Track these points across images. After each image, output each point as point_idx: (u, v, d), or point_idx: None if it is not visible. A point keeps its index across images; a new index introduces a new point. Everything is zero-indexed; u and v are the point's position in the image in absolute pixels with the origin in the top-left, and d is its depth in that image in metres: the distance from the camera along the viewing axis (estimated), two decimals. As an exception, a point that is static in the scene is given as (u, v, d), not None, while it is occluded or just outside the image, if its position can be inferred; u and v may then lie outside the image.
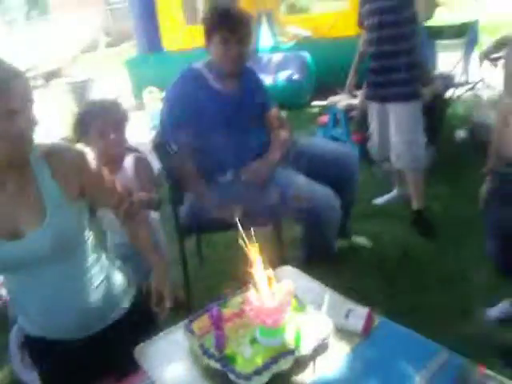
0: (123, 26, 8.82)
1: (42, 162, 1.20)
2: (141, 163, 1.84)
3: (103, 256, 1.36)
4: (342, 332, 1.15)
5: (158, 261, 1.42)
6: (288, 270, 1.45)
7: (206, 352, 1.08)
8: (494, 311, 1.95)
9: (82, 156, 1.27)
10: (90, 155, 1.29)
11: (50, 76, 9.51)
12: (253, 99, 2.16)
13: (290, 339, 1.07)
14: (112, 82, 7.00)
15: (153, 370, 1.14)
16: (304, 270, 1.45)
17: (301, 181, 2.02)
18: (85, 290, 1.27)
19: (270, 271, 1.17)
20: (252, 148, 2.11)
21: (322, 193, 2.00)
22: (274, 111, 2.28)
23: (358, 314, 1.18)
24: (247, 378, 0.99)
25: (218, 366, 1.05)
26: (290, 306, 1.12)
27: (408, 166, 2.69)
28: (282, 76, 5.33)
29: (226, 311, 1.16)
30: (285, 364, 1.03)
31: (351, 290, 2.01)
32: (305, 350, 1.06)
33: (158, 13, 6.13)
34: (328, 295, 1.29)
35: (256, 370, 1.00)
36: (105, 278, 1.32)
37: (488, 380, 0.97)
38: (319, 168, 2.16)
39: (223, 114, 2.04)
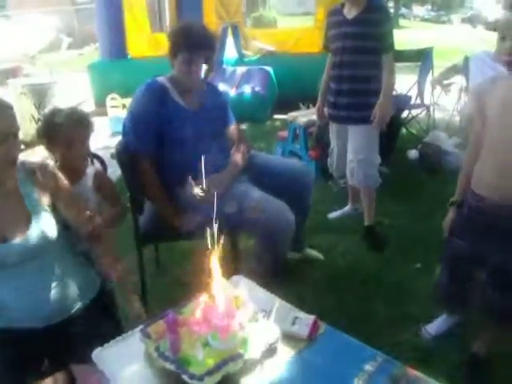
0: (88, 27, 8.74)
1: (24, 175, 1.43)
2: (101, 178, 1.86)
3: (71, 253, 1.54)
4: (289, 338, 1.26)
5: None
6: (240, 279, 1.54)
7: (161, 355, 1.16)
8: (432, 328, 2.05)
9: (55, 173, 1.49)
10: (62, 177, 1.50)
11: (7, 74, 9.26)
12: (214, 114, 2.26)
13: (239, 343, 1.16)
14: (73, 84, 6.92)
15: (110, 372, 1.20)
16: (256, 280, 1.58)
17: (255, 194, 2.11)
18: (56, 282, 1.46)
19: (224, 280, 1.27)
20: (212, 161, 2.18)
21: (276, 206, 2.09)
22: (234, 126, 2.39)
23: (304, 321, 1.29)
24: (200, 378, 1.07)
25: (172, 367, 1.13)
26: (240, 312, 1.22)
27: (361, 183, 2.86)
28: (246, 89, 5.46)
29: (181, 317, 1.23)
30: (234, 366, 1.12)
31: (301, 300, 2.16)
32: (253, 353, 1.16)
33: (125, 18, 6.15)
34: (277, 304, 1.39)
35: (208, 372, 1.08)
36: (72, 272, 1.51)
37: (416, 381, 1.10)
38: (274, 182, 2.26)
39: (185, 129, 2.13)
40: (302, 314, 1.33)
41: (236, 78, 5.68)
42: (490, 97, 1.61)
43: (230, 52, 6.00)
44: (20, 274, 1.41)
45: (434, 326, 2.05)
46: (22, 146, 1.43)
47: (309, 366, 1.18)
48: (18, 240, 1.37)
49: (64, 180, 1.52)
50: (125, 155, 2.13)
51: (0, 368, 1.43)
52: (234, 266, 2.24)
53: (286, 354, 1.21)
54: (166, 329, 1.18)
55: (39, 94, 5.10)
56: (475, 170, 1.68)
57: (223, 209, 2.08)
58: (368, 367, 1.15)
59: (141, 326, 1.27)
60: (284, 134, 4.12)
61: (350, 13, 2.67)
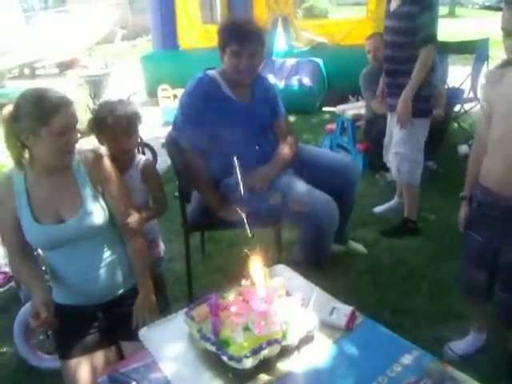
0: (141, 19, 9.02)
1: (79, 161, 1.58)
2: (148, 170, 1.93)
3: (119, 237, 1.67)
4: (327, 327, 1.29)
5: (144, 283, 1.63)
6: (282, 268, 1.59)
7: (203, 336, 1.22)
8: (459, 347, 1.93)
9: (110, 165, 1.64)
10: (111, 164, 1.64)
11: (65, 66, 9.72)
12: (263, 108, 2.29)
13: (278, 329, 1.20)
14: (126, 75, 7.16)
15: (155, 350, 1.29)
16: (299, 270, 1.63)
17: (302, 187, 2.15)
18: (110, 260, 1.62)
19: (266, 269, 1.32)
20: (260, 153, 2.24)
21: (322, 200, 2.11)
22: (283, 119, 2.41)
23: (342, 312, 1.32)
24: (238, 360, 1.13)
25: (213, 348, 1.19)
26: (280, 299, 1.26)
27: (397, 177, 2.83)
28: (294, 81, 5.46)
29: (223, 301, 1.30)
30: (272, 351, 1.17)
31: (342, 292, 2.17)
32: (291, 340, 1.20)
33: (176, 10, 6.29)
34: (316, 293, 1.43)
35: (246, 354, 1.14)
36: (121, 255, 1.65)
37: (449, 376, 1.10)
38: (319, 176, 2.27)
39: (234, 121, 2.17)
40: (340, 305, 1.36)
41: (285, 70, 5.68)
42: (496, 88, 1.58)
43: (279, 44, 6.01)
44: (74, 253, 1.56)
45: (462, 345, 1.94)
46: (78, 135, 1.54)
47: (344, 355, 1.21)
48: (71, 221, 1.52)
49: (113, 171, 1.64)
50: (174, 146, 2.21)
51: (62, 337, 1.61)
52: (277, 256, 2.28)
53: (322, 343, 1.25)
54: (209, 312, 1.25)
55: (94, 84, 5.35)
56: (483, 164, 1.65)
57: (269, 201, 2.14)
58: (403, 360, 1.17)
59: (185, 309, 1.35)
60: (332, 126, 4.11)
61: (392, 5, 2.63)
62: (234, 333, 1.21)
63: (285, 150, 2.30)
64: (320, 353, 1.22)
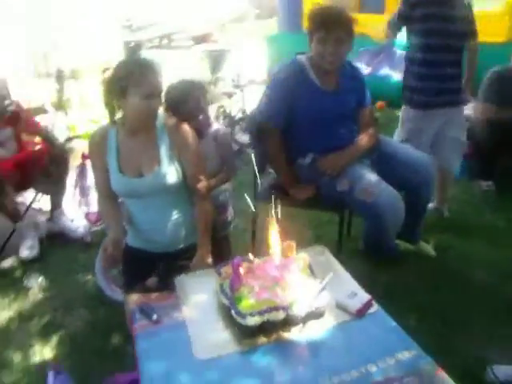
0: (274, 1, 9.22)
1: (163, 127, 1.75)
2: (221, 139, 2.10)
3: (189, 199, 1.84)
4: (340, 309, 1.34)
5: (203, 244, 1.75)
6: (323, 250, 1.65)
7: (222, 291, 1.36)
8: (500, 372, 1.81)
9: (189, 133, 1.79)
10: (191, 132, 1.79)
11: (199, 39, 10.35)
12: (348, 96, 2.29)
13: (287, 298, 1.29)
14: (251, 54, 7.42)
15: (183, 295, 1.46)
16: (360, 259, 1.64)
17: (371, 177, 2.14)
18: (177, 217, 1.81)
19: (292, 243, 1.41)
20: (338, 141, 2.26)
21: (388, 193, 2.10)
22: (367, 109, 2.40)
23: (359, 298, 1.36)
24: (243, 316, 1.25)
25: (227, 302, 1.32)
26: (299, 272, 1.34)
27: None
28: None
29: (248, 264, 1.41)
30: (276, 316, 1.26)
31: (391, 288, 2.17)
32: (297, 310, 1.28)
33: (303, -7, 6.34)
34: (344, 278, 1.47)
35: (251, 313, 1.25)
36: (189, 214, 1.82)
37: (439, 381, 1.10)
38: (395, 171, 2.26)
39: (317, 107, 2.22)
40: (360, 292, 1.40)
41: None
42: None
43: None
44: (148, 205, 1.78)
45: (505, 370, 1.81)
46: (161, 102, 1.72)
47: (345, 337, 1.26)
48: (148, 177, 1.72)
49: (192, 138, 1.78)
50: (255, 122, 2.34)
51: (127, 274, 1.87)
52: (338, 241, 2.33)
53: (329, 322, 1.31)
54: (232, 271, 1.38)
55: (215, 59, 5.66)
56: None
57: (337, 186, 2.19)
58: (399, 355, 1.18)
59: (218, 265, 1.49)
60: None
61: None
62: (249, 293, 1.31)
63: (363, 140, 2.30)
64: (323, 330, 1.28)
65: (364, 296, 1.37)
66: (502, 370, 1.81)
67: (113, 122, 1.75)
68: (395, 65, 5.49)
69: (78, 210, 3.01)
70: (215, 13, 10.34)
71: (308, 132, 2.26)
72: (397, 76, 5.34)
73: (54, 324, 2.23)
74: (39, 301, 2.42)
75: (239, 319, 1.26)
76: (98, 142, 1.78)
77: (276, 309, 1.26)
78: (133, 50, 7.67)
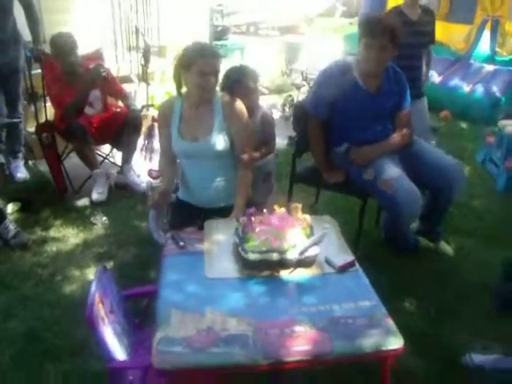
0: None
1: (221, 103, 2.11)
2: (266, 118, 2.47)
3: (234, 166, 2.18)
4: (327, 263, 1.66)
5: (239, 205, 2.07)
6: (329, 219, 1.97)
7: (236, 232, 1.72)
8: (477, 358, 1.97)
9: (242, 110, 2.13)
10: (244, 108, 2.13)
11: (285, 30, 10.71)
12: (388, 101, 2.54)
13: (285, 245, 1.62)
14: (328, 49, 7.65)
15: (207, 234, 1.84)
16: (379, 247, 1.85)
17: (395, 171, 2.39)
18: (222, 179, 2.17)
19: (298, 205, 1.74)
20: (372, 134, 2.53)
21: (407, 187, 2.34)
22: (405, 112, 2.63)
23: (344, 257, 1.67)
24: (245, 251, 1.60)
25: (237, 240, 1.68)
26: (300, 227, 1.67)
27: None
28: (481, 88, 5.25)
29: (260, 215, 1.75)
30: (272, 257, 1.60)
31: (395, 282, 2.38)
32: (291, 255, 1.61)
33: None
34: (338, 242, 1.78)
35: (252, 250, 1.60)
36: (232, 178, 2.17)
37: (384, 325, 1.39)
38: (421, 171, 2.50)
39: (357, 104, 2.49)
40: (347, 254, 1.71)
41: (478, 76, 5.46)
42: None
43: (483, 47, 5.76)
44: (199, 166, 2.18)
45: (481, 357, 1.98)
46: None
47: (321, 283, 1.58)
48: (201, 142, 2.10)
49: (243, 114, 2.13)
50: (301, 110, 2.67)
51: (173, 222, 2.24)
52: (359, 224, 2.61)
53: (315, 270, 1.63)
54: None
55: (291, 51, 6.00)
56: None
57: (362, 174, 2.47)
58: (360, 303, 1.46)
59: (238, 215, 1.85)
60: (492, 139, 4.02)
61: None
62: (255, 236, 1.66)
63: (395, 138, 2.54)
64: (308, 276, 1.60)
65: (349, 257, 1.67)
66: (478, 357, 2.01)
67: (179, 93, 2.15)
68: (468, 77, 5.52)
69: (140, 165, 3.50)
70: (303, 6, 10.64)
71: (346, 125, 2.55)
72: (467, 88, 5.39)
73: (108, 254, 2.73)
74: (100, 235, 2.93)
75: (243, 254, 1.61)
76: (166, 111, 2.19)
77: (273, 251, 1.60)
78: (219, 33, 8.16)
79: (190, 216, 2.21)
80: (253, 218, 1.71)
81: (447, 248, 2.80)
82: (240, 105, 2.14)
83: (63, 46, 3.18)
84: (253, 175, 2.22)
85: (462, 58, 5.79)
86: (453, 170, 2.54)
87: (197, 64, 1.98)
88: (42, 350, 1.99)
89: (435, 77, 5.49)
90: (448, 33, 5.95)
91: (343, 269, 1.63)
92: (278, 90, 5.95)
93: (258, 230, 1.67)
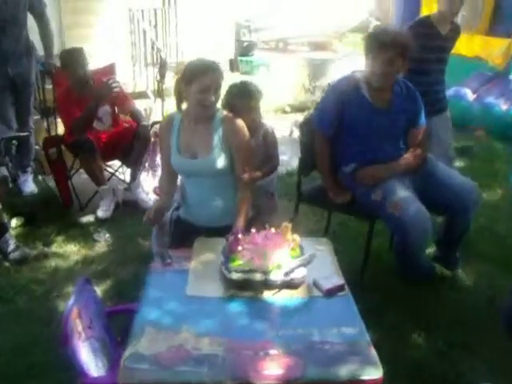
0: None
1: (220, 121, 2.16)
2: (268, 137, 2.54)
3: (234, 186, 2.22)
4: (315, 286, 1.69)
5: (238, 225, 2.07)
6: (325, 241, 2.02)
7: (223, 251, 1.77)
8: None
9: (242, 128, 2.19)
10: (245, 127, 2.19)
11: (315, 46, 10.84)
12: (399, 116, 2.56)
13: (269, 265, 1.66)
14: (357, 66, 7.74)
15: (196, 251, 1.91)
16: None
17: (404, 193, 2.39)
18: (221, 198, 2.22)
19: (288, 224, 1.78)
20: (382, 154, 2.55)
21: (417, 211, 2.33)
22: (420, 131, 2.64)
23: (333, 280, 1.69)
24: (229, 270, 1.65)
25: (222, 260, 1.73)
26: (288, 248, 1.71)
27: None
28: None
29: (247, 234, 1.80)
30: (256, 277, 1.64)
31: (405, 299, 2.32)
32: (275, 277, 1.65)
33: (422, 8, 6.51)
34: (330, 264, 1.81)
35: (236, 269, 1.65)
36: (231, 199, 2.20)
37: (364, 352, 1.41)
38: (435, 191, 2.50)
39: (365, 122, 2.53)
40: (337, 277, 1.73)
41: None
42: None
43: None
44: (199, 185, 2.24)
45: None
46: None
47: (305, 308, 1.60)
48: (201, 160, 2.18)
49: (244, 133, 2.20)
50: (307, 126, 2.73)
51: (174, 240, 2.27)
52: (365, 248, 2.62)
53: (300, 293, 1.66)
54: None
55: (314, 68, 6.10)
56: None
57: (370, 195, 2.48)
58: (344, 329, 1.48)
59: (228, 234, 1.91)
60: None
61: None
62: (240, 255, 1.71)
63: (407, 159, 2.56)
64: (292, 298, 1.63)
65: (338, 280, 1.70)
66: None
67: (179, 109, 2.24)
68: (505, 93, 5.46)
69: (148, 182, 3.61)
70: (335, 22, 10.78)
71: (354, 143, 2.58)
72: (504, 105, 5.33)
73: (106, 271, 2.83)
74: (101, 252, 3.04)
75: (226, 273, 1.66)
76: (166, 126, 2.28)
77: (256, 270, 1.65)
78: (245, 49, 8.37)
79: (190, 235, 2.26)
80: (240, 237, 1.76)
81: (464, 275, 2.76)
82: (240, 123, 2.21)
83: (72, 59, 3.37)
84: (253, 195, 2.27)
85: (500, 74, 5.75)
86: (468, 191, 2.52)
87: (197, 80, 2.06)
88: (27, 365, 2.07)
89: (469, 94, 5.46)
90: (487, 47, 5.94)
91: (330, 293, 1.66)
92: (301, 108, 6.04)
93: (242, 248, 1.72)
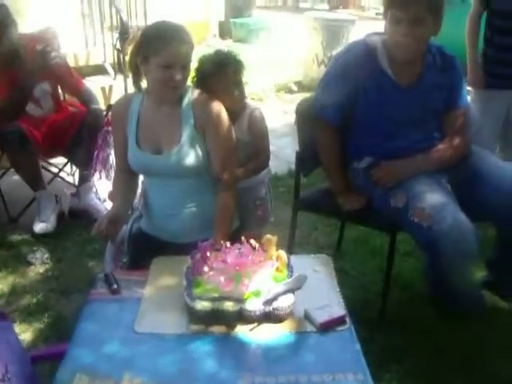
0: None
1: (191, 104, 2.18)
2: (256, 123, 2.53)
3: (210, 188, 2.27)
4: (306, 318, 1.70)
5: (217, 240, 2.05)
6: (325, 258, 2.05)
7: (186, 272, 1.79)
8: None
9: (220, 112, 2.20)
10: (223, 111, 2.22)
11: (337, 2, 10.91)
12: (432, 94, 2.56)
13: (245, 291, 1.68)
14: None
15: (152, 274, 1.93)
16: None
17: (436, 197, 2.38)
18: (194, 205, 2.25)
19: (273, 238, 1.80)
20: (407, 145, 2.56)
21: (454, 220, 2.28)
22: (460, 113, 2.64)
23: (330, 311, 1.70)
24: (192, 298, 1.67)
25: (185, 283, 1.75)
26: (270, 268, 1.73)
27: None
28: None
29: (217, 250, 1.82)
30: (228, 307, 1.66)
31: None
32: (253, 306, 1.66)
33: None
34: (328, 289, 1.83)
35: (201, 296, 1.66)
36: (207, 205, 2.24)
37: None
38: (479, 193, 2.49)
39: (386, 103, 2.53)
40: (336, 306, 1.74)
41: None
42: None
43: None
44: (164, 188, 2.26)
45: None
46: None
47: (292, 347, 1.61)
48: (167, 155, 2.19)
49: (222, 117, 2.22)
50: (306, 114, 2.75)
51: (132, 262, 2.33)
52: (386, 273, 2.64)
53: (286, 328, 1.67)
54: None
55: (330, 32, 6.12)
56: None
57: (390, 199, 2.49)
58: (341, 375, 1.48)
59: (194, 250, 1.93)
60: None
61: None
62: (208, 278, 1.73)
63: (440, 151, 2.57)
64: (275, 336, 1.64)
65: (337, 311, 1.71)
66: None
67: (138, 88, 2.26)
68: None
69: (103, 185, 3.64)
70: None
71: (370, 132, 2.60)
72: None
73: (43, 304, 2.84)
74: (37, 279, 3.07)
75: (189, 301, 1.68)
76: (120, 110, 2.30)
77: (227, 298, 1.66)
78: (239, 10, 8.45)
79: (155, 253, 2.25)
80: (208, 254, 1.78)
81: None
82: (217, 105, 2.23)
83: None
84: (236, 199, 2.30)
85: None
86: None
87: (158, 54, 2.05)
88: None
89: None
90: None
91: (326, 327, 1.67)
92: (312, 86, 6.02)
93: (210, 269, 1.74)
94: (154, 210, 2.32)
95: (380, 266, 2.75)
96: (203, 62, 2.48)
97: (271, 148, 2.62)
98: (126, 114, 2.26)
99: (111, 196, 3.07)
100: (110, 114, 3.50)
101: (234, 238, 1.98)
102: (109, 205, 3.52)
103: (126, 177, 2.35)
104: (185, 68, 2.12)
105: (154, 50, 2.06)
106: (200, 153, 2.19)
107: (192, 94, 2.22)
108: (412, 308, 2.76)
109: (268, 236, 1.82)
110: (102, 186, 3.68)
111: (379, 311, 2.65)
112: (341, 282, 1.94)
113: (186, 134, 2.18)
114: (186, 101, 2.20)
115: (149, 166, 2.25)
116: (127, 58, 2.26)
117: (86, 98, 3.65)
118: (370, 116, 2.57)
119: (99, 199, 3.69)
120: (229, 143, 2.26)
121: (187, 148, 2.17)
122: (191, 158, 2.18)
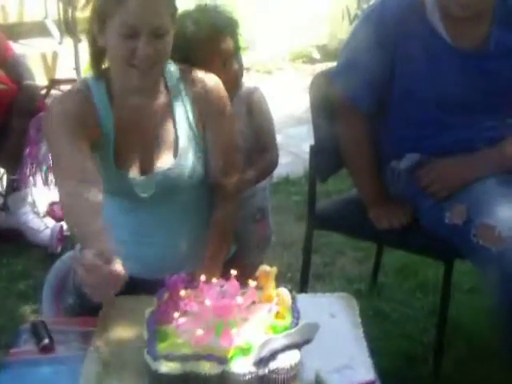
0: None
1: (183, 90, 2.15)
2: (258, 104, 2.56)
3: (201, 216, 2.29)
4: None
5: (210, 271, 2.07)
6: (346, 297, 2.06)
7: (149, 319, 1.78)
8: None
9: (221, 94, 2.20)
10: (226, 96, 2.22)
11: None
12: (506, 63, 2.57)
13: (230, 346, 1.67)
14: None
15: (105, 320, 1.93)
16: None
17: (509, 210, 2.38)
18: (182, 231, 2.24)
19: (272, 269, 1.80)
20: (472, 136, 2.58)
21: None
22: None
23: (352, 375, 1.69)
24: (155, 358, 1.65)
25: (145, 336, 1.74)
26: (266, 312, 1.73)
27: None
28: None
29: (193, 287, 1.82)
30: (205, 367, 1.64)
31: None
32: (240, 369, 1.65)
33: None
34: (351, 342, 1.82)
35: (167, 356, 1.65)
36: (200, 224, 2.27)
37: None
38: None
39: (441, 77, 2.54)
40: (362, 367, 1.73)
41: None
42: None
43: None
44: (136, 206, 2.21)
45: None
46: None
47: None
48: (161, 175, 2.12)
49: (227, 106, 2.22)
50: (325, 92, 2.75)
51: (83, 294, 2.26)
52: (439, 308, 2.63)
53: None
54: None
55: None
56: None
57: (445, 214, 2.49)
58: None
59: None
60: None
61: None
62: (180, 329, 1.72)
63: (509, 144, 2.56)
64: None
65: (362, 374, 1.70)
66: None
67: (98, 73, 2.14)
68: None
69: (41, 194, 3.65)
70: None
71: (415, 119, 2.62)
72: None
73: None
74: None
75: (150, 361, 1.67)
76: (79, 106, 2.09)
77: (206, 358, 1.65)
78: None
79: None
80: (181, 293, 1.78)
81: None
82: (219, 85, 2.20)
83: None
84: (238, 212, 2.34)
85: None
86: None
87: (115, 13, 1.93)
88: None
89: None
90: None
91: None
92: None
93: (181, 314, 1.73)
94: (122, 234, 2.21)
95: (432, 308, 2.72)
96: (184, 23, 2.41)
97: (282, 141, 2.61)
98: (91, 112, 2.10)
99: (56, 211, 3.10)
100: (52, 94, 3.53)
101: (228, 268, 1.95)
102: (49, 221, 3.57)
103: (90, 188, 1.98)
104: (159, 36, 1.98)
105: (109, 7, 1.94)
106: (202, 159, 2.18)
107: (183, 75, 2.17)
108: (477, 367, 2.75)
109: (264, 267, 1.81)
110: (39, 195, 3.69)
111: (433, 373, 2.65)
112: (377, 330, 1.94)
113: (183, 138, 2.14)
114: (176, 86, 2.16)
115: (134, 192, 2.15)
116: (79, 14, 2.20)
117: (15, 71, 3.65)
118: (415, 95, 2.59)
119: (36, 214, 3.67)
120: (232, 138, 2.26)
121: (186, 157, 2.14)
122: (193, 170, 2.15)
